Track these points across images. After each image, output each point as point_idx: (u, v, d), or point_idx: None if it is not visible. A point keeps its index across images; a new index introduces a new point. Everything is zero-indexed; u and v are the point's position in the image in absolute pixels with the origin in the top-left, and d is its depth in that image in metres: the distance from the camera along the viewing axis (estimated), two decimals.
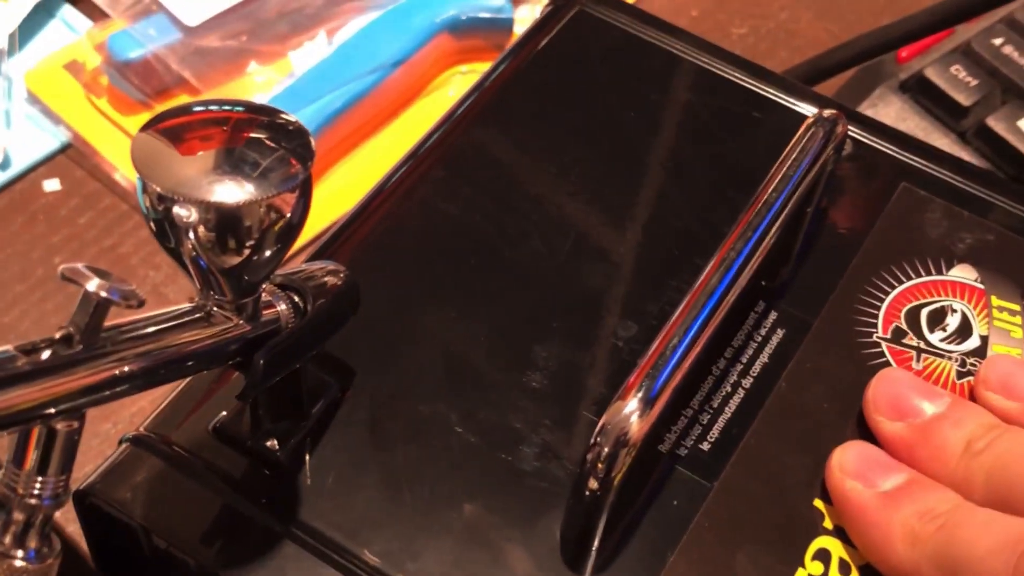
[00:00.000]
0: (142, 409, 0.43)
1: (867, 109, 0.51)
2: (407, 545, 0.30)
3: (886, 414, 0.32)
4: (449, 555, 0.30)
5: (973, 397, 0.33)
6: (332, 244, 0.36)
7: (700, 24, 0.57)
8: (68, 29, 0.53)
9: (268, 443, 0.31)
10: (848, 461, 0.31)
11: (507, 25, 0.52)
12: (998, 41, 0.51)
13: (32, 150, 0.49)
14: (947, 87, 0.50)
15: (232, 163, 0.25)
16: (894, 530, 0.29)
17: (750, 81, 0.41)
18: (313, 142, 0.26)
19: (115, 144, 0.49)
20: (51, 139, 0.49)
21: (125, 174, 0.48)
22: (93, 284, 0.23)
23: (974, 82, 0.50)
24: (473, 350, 0.34)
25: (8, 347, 0.22)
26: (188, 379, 0.33)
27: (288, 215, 0.25)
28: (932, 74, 0.50)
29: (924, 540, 0.29)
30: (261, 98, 0.47)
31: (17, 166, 0.49)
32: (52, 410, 0.23)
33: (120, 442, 0.31)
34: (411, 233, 0.36)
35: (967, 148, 0.50)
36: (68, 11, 0.53)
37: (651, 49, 0.41)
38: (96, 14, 0.53)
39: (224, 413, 0.31)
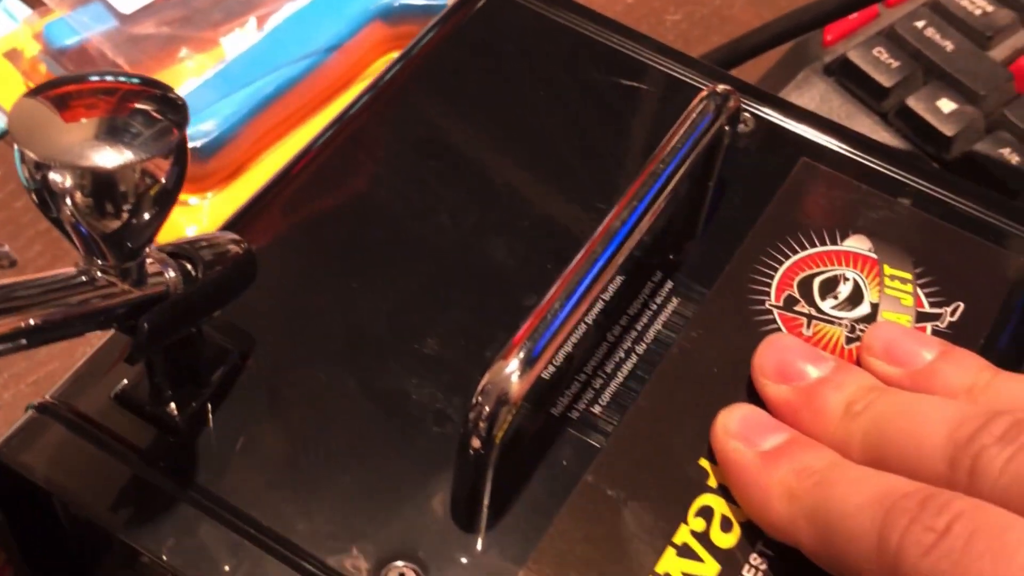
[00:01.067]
0: None
1: (791, 92, 0.52)
2: (301, 507, 0.31)
3: (771, 378, 0.33)
4: (341, 516, 0.31)
5: (860, 363, 0.34)
6: (240, 218, 0.36)
7: (635, 10, 0.58)
8: (10, 18, 0.53)
9: (167, 409, 0.32)
10: (732, 422, 0.32)
11: (440, 12, 0.53)
12: (920, 24, 0.52)
13: None
14: (869, 69, 0.51)
15: (111, 131, 0.26)
16: (772, 488, 0.30)
17: (662, 63, 0.41)
18: (189, 114, 0.27)
19: None
20: None
21: None
22: None
23: (896, 64, 0.51)
24: (374, 320, 0.34)
25: None
26: (96, 349, 0.34)
27: (163, 180, 0.26)
28: (855, 56, 0.51)
29: (800, 496, 0.29)
30: (192, 83, 0.48)
31: None
32: None
33: (26, 409, 0.32)
34: (318, 207, 0.37)
35: (889, 129, 0.51)
36: (11, 1, 0.54)
37: (562, 30, 0.42)
38: (38, 3, 0.53)
39: (126, 381, 0.32)
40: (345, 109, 0.40)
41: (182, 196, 0.49)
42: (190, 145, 0.48)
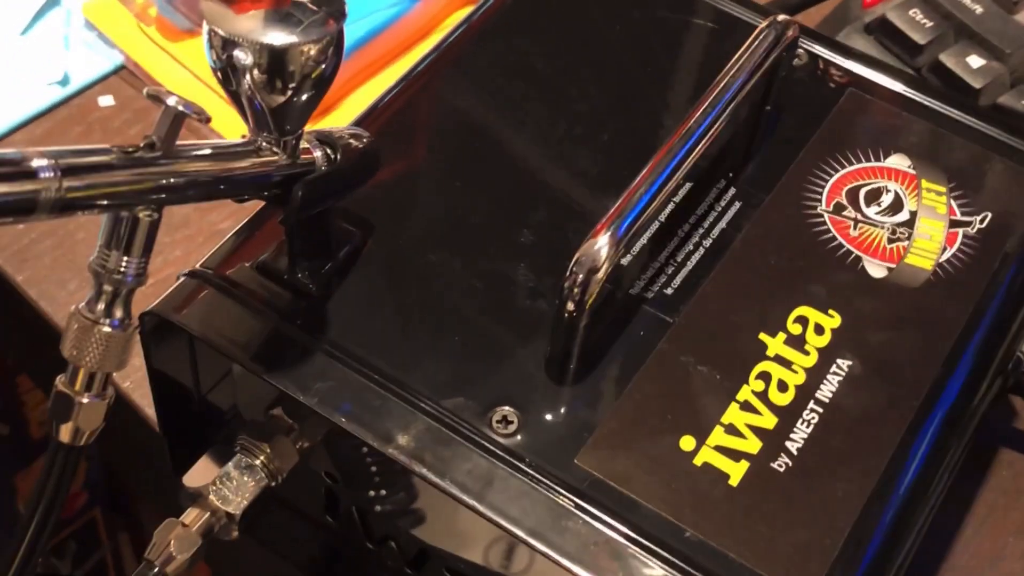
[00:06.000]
0: None
1: None
2: (418, 360, 0.36)
3: None
4: (452, 368, 0.36)
5: None
6: (363, 121, 0.42)
7: None
8: None
9: (302, 276, 0.37)
10: None
11: None
12: None
13: (89, 71, 0.55)
14: (905, 28, 0.56)
15: (280, 18, 0.31)
16: None
17: (727, 5, 0.46)
18: (346, 7, 0.32)
19: (162, 66, 0.55)
20: (106, 61, 0.56)
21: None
22: (172, 99, 0.29)
23: (930, 23, 0.56)
24: (476, 213, 0.40)
25: (107, 144, 0.28)
26: (236, 228, 0.39)
27: (323, 65, 0.31)
28: (893, 16, 0.56)
29: None
30: None
31: (76, 84, 0.55)
32: (136, 197, 0.29)
33: (178, 277, 0.37)
34: (426, 119, 0.42)
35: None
36: None
37: None
38: None
39: (265, 254, 0.37)
40: (444, 38, 0.45)
41: None
42: None
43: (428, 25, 0.57)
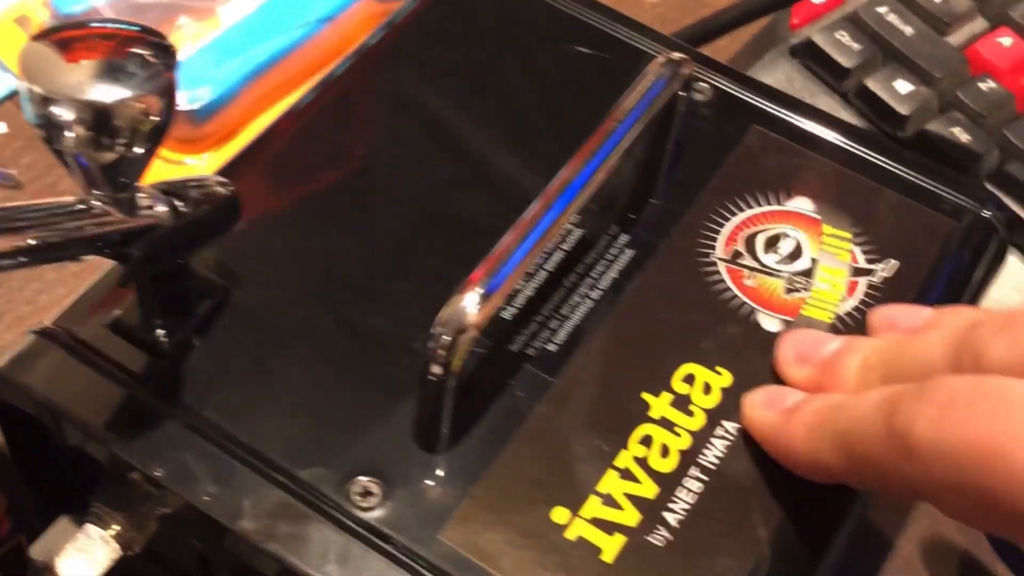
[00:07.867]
0: None
1: (758, 71, 0.55)
2: (276, 426, 0.34)
3: (793, 363, 0.35)
4: (312, 435, 0.34)
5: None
6: (231, 167, 0.39)
7: None
8: None
9: (156, 335, 0.35)
10: (756, 397, 0.35)
11: None
12: (883, 10, 0.55)
13: None
14: (831, 50, 0.54)
15: (109, 70, 0.29)
16: (795, 431, 0.33)
17: (633, 37, 0.44)
18: (178, 57, 0.30)
19: None
20: None
21: None
22: None
23: (857, 46, 0.54)
24: (348, 263, 0.37)
25: None
26: (94, 281, 0.36)
27: (155, 116, 0.29)
28: (818, 39, 0.54)
29: (818, 427, 0.32)
30: (189, 49, 0.51)
31: None
32: None
33: (26, 334, 0.35)
34: (301, 160, 0.40)
35: (849, 108, 0.54)
36: None
37: (538, 4, 0.45)
38: None
39: (119, 310, 0.35)
40: (330, 72, 0.42)
41: (179, 157, 0.52)
42: (188, 108, 0.51)
43: (336, 48, 0.55)
